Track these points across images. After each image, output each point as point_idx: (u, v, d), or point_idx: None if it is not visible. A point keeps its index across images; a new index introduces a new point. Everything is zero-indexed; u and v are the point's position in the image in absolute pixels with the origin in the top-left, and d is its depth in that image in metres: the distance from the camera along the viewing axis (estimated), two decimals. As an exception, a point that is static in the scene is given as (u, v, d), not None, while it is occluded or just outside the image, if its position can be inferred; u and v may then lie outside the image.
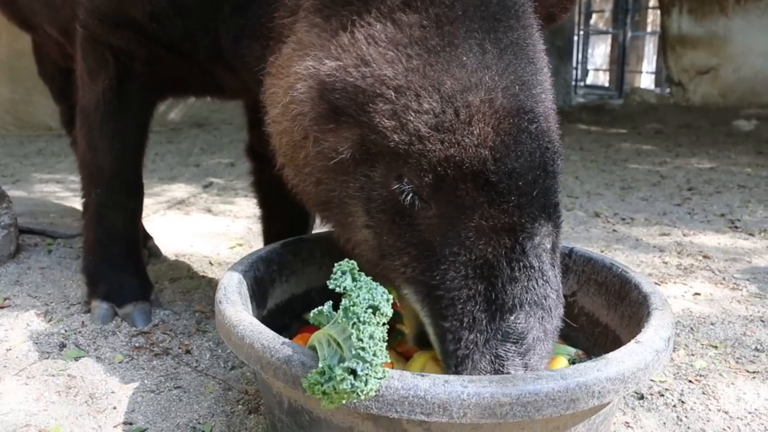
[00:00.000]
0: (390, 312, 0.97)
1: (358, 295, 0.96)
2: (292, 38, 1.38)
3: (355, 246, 1.34)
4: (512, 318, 1.17)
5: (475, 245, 1.17)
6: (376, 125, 1.20)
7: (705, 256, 2.96)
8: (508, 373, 1.14)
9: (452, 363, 1.18)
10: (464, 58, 1.20)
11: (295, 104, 1.31)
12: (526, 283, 1.18)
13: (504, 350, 1.16)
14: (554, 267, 1.25)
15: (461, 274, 1.18)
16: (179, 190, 4.31)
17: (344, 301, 0.97)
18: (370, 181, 1.24)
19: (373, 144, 1.21)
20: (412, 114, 1.17)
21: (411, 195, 1.19)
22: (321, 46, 1.29)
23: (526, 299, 1.18)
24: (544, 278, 1.20)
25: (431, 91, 1.18)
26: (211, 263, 2.75)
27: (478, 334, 1.16)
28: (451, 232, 1.18)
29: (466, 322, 1.17)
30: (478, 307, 1.17)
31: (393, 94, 1.19)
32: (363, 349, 0.91)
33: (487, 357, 1.15)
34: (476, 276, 1.17)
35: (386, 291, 1.00)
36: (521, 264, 1.17)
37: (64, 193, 4.06)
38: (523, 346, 1.17)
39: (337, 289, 0.99)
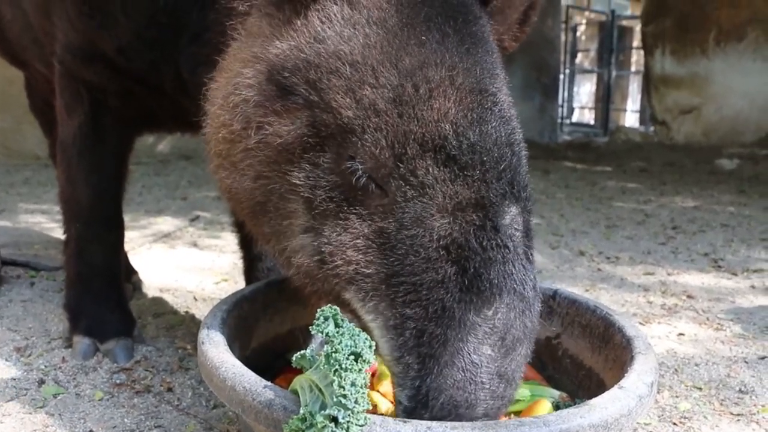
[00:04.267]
0: (372, 359, 0.96)
1: (341, 342, 0.95)
2: (241, 33, 1.33)
3: (291, 255, 1.23)
4: (489, 313, 1.05)
5: (438, 225, 1.07)
6: (329, 102, 1.14)
7: (689, 296, 2.98)
8: (481, 383, 1.04)
9: (411, 361, 1.05)
10: (423, 38, 1.16)
11: (240, 90, 1.25)
12: (502, 267, 1.06)
13: (479, 356, 1.03)
14: (529, 253, 1.13)
15: (422, 257, 1.06)
16: (165, 223, 4.29)
17: (326, 348, 0.97)
18: (316, 168, 1.16)
19: (324, 125, 1.15)
20: (369, 88, 1.12)
21: (364, 177, 1.11)
22: (272, 33, 1.25)
23: (505, 287, 1.06)
24: (521, 263, 1.09)
25: (389, 66, 1.13)
26: (195, 298, 2.72)
27: (447, 330, 1.03)
28: (409, 213, 1.08)
29: (431, 311, 1.04)
30: (449, 294, 1.04)
31: (348, 69, 1.14)
32: (345, 396, 0.91)
33: (457, 364, 1.03)
34: (441, 258, 1.06)
35: (368, 337, 0.99)
36: (494, 243, 1.07)
37: (50, 223, 4.03)
38: (502, 350, 1.06)
39: (320, 335, 0.99)
